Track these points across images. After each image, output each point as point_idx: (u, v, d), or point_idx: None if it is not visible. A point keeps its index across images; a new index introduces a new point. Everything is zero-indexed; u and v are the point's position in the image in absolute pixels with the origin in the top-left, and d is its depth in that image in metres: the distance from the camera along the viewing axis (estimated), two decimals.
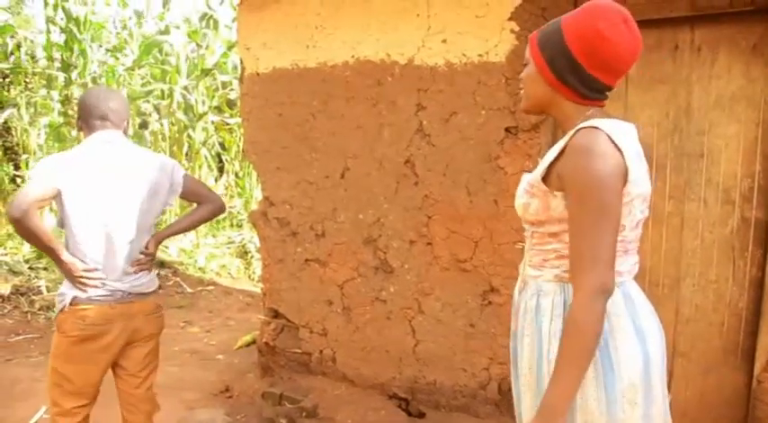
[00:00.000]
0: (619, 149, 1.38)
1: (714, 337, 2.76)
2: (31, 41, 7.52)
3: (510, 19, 2.84)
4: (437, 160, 3.11)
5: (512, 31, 2.84)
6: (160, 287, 3.25)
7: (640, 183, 1.45)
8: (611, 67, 1.44)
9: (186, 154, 8.31)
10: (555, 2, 2.74)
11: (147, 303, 2.46)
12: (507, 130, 2.92)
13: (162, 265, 6.74)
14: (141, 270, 2.41)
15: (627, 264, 1.53)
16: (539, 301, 1.56)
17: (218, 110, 8.31)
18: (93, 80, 7.88)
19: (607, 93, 1.52)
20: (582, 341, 1.37)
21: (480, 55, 2.93)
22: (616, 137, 1.39)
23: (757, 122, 2.54)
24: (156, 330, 2.55)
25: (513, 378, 1.69)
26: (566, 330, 1.39)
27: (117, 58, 8.58)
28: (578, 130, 1.43)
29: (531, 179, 1.55)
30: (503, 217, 2.98)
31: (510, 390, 3.08)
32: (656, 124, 2.72)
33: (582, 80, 1.47)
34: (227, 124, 8.65)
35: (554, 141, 2.92)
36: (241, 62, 3.70)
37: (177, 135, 8.08)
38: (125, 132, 2.45)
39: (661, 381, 1.52)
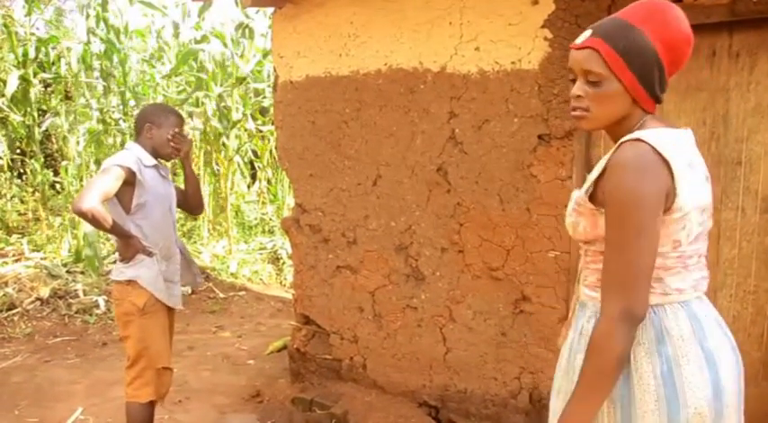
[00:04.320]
0: (666, 161, 1.31)
1: (753, 349, 2.69)
2: (71, 51, 7.69)
3: (543, 26, 2.83)
4: (469, 168, 3.10)
5: (545, 39, 2.83)
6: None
7: (695, 194, 1.36)
8: (679, 69, 1.40)
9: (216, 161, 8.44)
10: (588, 9, 2.72)
11: (113, 289, 2.97)
12: (540, 137, 2.91)
13: None
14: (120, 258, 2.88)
15: (688, 280, 1.44)
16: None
17: (252, 117, 8.40)
18: (131, 89, 8.04)
19: None
20: (599, 365, 1.34)
21: (513, 62, 2.93)
22: (663, 147, 1.32)
23: None
24: (116, 314, 2.98)
25: (555, 389, 1.65)
26: (587, 351, 1.36)
27: (153, 66, 8.74)
28: (621, 144, 1.37)
29: (577, 197, 1.49)
30: (535, 225, 2.96)
31: (540, 400, 3.05)
32: (693, 132, 2.67)
33: (662, 87, 1.40)
34: (260, 132, 8.74)
35: (588, 149, 2.90)
36: (275, 70, 3.75)
37: (213, 141, 8.19)
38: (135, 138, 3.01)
39: (736, 410, 1.43)
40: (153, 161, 2.95)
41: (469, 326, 3.22)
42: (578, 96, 1.44)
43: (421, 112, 3.20)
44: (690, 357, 1.37)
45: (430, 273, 3.29)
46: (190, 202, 3.27)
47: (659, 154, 1.31)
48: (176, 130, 3.00)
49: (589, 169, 2.88)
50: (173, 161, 3.37)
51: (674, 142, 1.36)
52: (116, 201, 2.82)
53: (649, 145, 1.32)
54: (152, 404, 2.96)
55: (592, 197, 1.44)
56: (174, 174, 8.97)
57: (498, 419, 3.21)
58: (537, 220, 2.96)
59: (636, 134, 1.36)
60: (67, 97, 8.26)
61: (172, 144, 2.98)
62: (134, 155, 2.88)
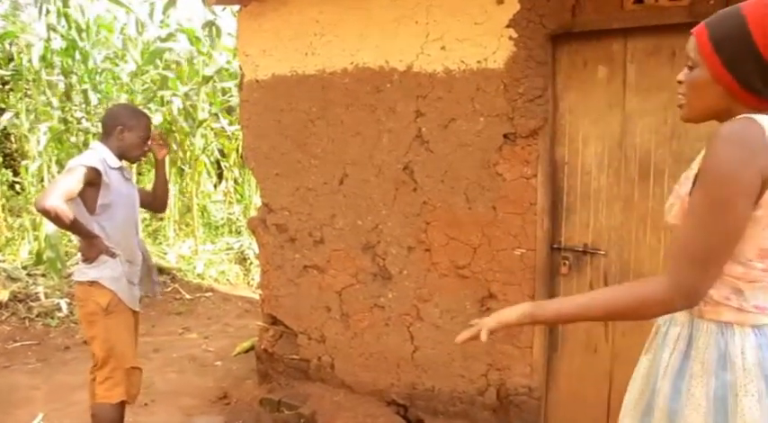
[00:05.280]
0: None
1: None
2: (31, 48, 7.51)
3: (508, 26, 2.85)
4: (436, 167, 3.11)
5: (510, 38, 2.85)
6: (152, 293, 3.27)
7: None
8: None
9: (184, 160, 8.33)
10: (553, 9, 2.75)
11: (76, 290, 2.95)
12: (505, 136, 2.93)
13: (160, 271, 6.73)
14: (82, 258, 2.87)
15: None
16: (668, 329, 1.43)
17: (219, 117, 8.31)
18: (94, 86, 7.88)
19: None
20: (620, 302, 1.32)
21: (479, 62, 2.94)
22: None
23: None
24: (80, 316, 3.00)
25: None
26: (627, 285, 1.34)
27: (116, 64, 8.58)
28: (729, 121, 1.28)
29: (681, 179, 1.42)
30: (501, 223, 2.98)
31: (507, 396, 3.08)
32: (654, 131, 2.73)
33: (767, 82, 1.27)
34: (224, 131, 8.65)
35: (553, 148, 2.93)
36: (240, 69, 3.71)
37: (180, 140, 8.08)
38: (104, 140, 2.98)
39: None
40: (118, 163, 2.94)
41: (437, 324, 3.23)
42: (678, 82, 1.41)
43: (387, 111, 3.20)
44: (749, 389, 1.27)
45: (397, 271, 3.30)
46: (156, 203, 3.31)
47: (766, 138, 1.20)
48: (159, 132, 3.09)
49: (554, 168, 2.92)
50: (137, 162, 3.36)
51: None
52: (80, 201, 2.79)
53: (759, 124, 1.22)
54: (123, 405, 2.95)
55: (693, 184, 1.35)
56: (140, 173, 8.85)
57: (466, 416, 3.23)
58: (503, 219, 2.98)
59: (745, 115, 1.27)
60: (27, 95, 8.05)
61: (153, 146, 3.08)
62: (99, 155, 2.86)
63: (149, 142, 3.05)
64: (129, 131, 2.95)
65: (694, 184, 1.33)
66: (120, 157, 2.97)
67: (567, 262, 2.96)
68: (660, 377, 1.41)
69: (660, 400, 1.39)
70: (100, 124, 3.19)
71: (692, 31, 1.37)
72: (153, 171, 3.25)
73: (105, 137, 2.97)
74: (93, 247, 2.81)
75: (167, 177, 3.31)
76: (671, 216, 1.42)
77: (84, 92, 7.76)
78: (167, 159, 3.84)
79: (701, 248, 1.23)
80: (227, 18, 8.08)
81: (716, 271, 1.26)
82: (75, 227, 2.73)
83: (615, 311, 1.35)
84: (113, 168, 2.89)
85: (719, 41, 1.28)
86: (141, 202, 3.19)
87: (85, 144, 7.87)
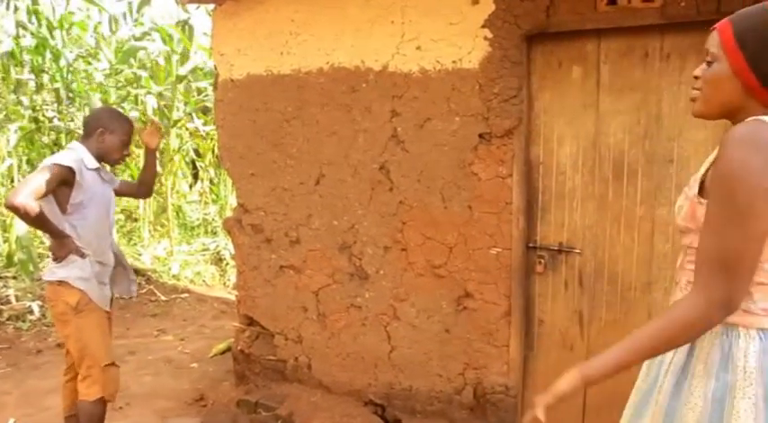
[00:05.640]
0: None
1: None
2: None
3: (483, 26, 2.86)
4: (412, 166, 3.12)
5: (485, 38, 2.87)
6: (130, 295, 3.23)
7: None
8: None
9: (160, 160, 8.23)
10: (527, 10, 2.76)
11: (46, 290, 2.94)
12: (481, 136, 2.94)
13: (135, 272, 6.65)
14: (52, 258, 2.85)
15: None
16: None
17: (194, 116, 8.23)
18: (66, 85, 7.76)
19: None
20: (662, 335, 1.28)
21: (454, 62, 2.95)
22: None
23: (725, 128, 2.58)
24: (52, 316, 3.04)
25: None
26: (658, 317, 1.30)
27: (89, 63, 8.46)
28: (740, 123, 1.26)
29: (691, 181, 1.41)
30: (477, 223, 3.00)
31: (484, 395, 3.10)
32: (628, 131, 2.76)
33: None
34: (199, 131, 8.57)
35: (528, 147, 2.95)
36: (215, 68, 3.68)
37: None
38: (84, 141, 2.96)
39: None
40: (95, 164, 2.94)
41: (413, 324, 3.23)
42: (695, 77, 1.40)
43: (363, 111, 3.20)
44: (747, 392, 1.27)
45: (373, 271, 3.30)
46: (142, 190, 3.40)
47: None
48: (152, 121, 3.10)
49: (529, 167, 2.94)
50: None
51: None
52: (52, 199, 2.79)
53: None
54: (103, 402, 2.97)
55: (700, 187, 1.35)
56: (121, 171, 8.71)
57: (443, 415, 3.24)
58: (478, 218, 2.99)
59: (754, 117, 1.26)
60: None
61: (146, 134, 3.18)
62: (77, 155, 2.86)
63: (129, 147, 3.07)
64: (110, 134, 2.95)
65: (701, 186, 1.33)
66: (99, 159, 2.97)
67: (542, 261, 2.98)
68: (663, 374, 1.41)
69: (660, 396, 1.39)
70: (80, 124, 3.19)
71: (714, 26, 1.37)
72: (142, 158, 3.31)
73: (85, 138, 2.98)
74: (63, 247, 2.80)
75: (156, 166, 3.38)
76: (680, 218, 1.41)
77: (56, 91, 7.64)
78: (139, 157, 3.85)
79: (730, 257, 1.22)
80: (202, 17, 7.97)
81: (749, 277, 1.24)
82: (43, 225, 2.72)
83: (662, 345, 1.30)
84: (90, 169, 2.89)
85: (744, 35, 1.27)
86: (125, 192, 3.29)
87: (57, 143, 7.75)
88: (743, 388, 1.27)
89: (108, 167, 3.22)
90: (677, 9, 2.52)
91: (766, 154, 1.18)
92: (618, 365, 1.31)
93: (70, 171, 2.75)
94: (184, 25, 7.57)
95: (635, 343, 1.31)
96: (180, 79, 7.65)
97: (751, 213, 1.19)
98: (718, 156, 1.25)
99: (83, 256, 2.84)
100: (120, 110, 7.66)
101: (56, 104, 7.76)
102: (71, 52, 8.19)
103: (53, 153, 5.23)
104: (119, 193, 3.24)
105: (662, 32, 2.64)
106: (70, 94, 7.89)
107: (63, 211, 2.81)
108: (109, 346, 3.01)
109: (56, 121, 7.81)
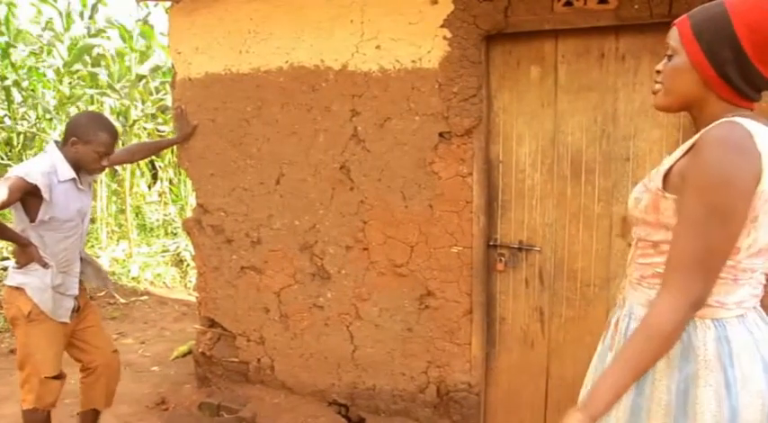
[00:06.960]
0: (758, 151, 1.21)
1: None
2: None
3: (442, 26, 2.87)
4: (372, 166, 3.11)
5: (444, 38, 2.88)
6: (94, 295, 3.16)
7: None
8: None
9: None
10: (486, 10, 2.78)
11: (5, 292, 2.84)
12: (441, 135, 2.95)
13: None
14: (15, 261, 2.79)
15: (735, 296, 1.32)
16: (629, 325, 1.43)
17: (152, 117, 8.09)
18: (16, 83, 7.55)
19: (761, 93, 1.35)
20: (656, 349, 1.28)
21: (414, 61, 2.96)
22: (758, 138, 1.22)
23: (678, 127, 2.65)
24: (6, 318, 2.91)
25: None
26: (637, 330, 1.30)
27: (42, 61, 8.23)
28: (712, 126, 1.27)
29: (652, 172, 1.41)
30: (438, 221, 3.01)
31: (447, 393, 3.12)
32: (585, 130, 2.80)
33: (745, 75, 1.28)
34: (159, 131, 8.43)
35: (488, 146, 2.97)
36: (173, 67, 3.62)
37: None
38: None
39: None
40: (71, 174, 2.75)
41: (376, 323, 3.23)
42: (657, 71, 1.42)
43: (323, 111, 3.18)
44: (709, 381, 1.29)
45: (335, 271, 3.29)
46: (137, 157, 3.69)
47: (754, 142, 1.21)
48: (181, 111, 3.40)
49: (489, 166, 2.96)
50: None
51: (766, 137, 1.25)
52: (20, 206, 2.66)
53: (744, 127, 1.23)
54: (42, 413, 2.87)
55: (665, 180, 1.35)
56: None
57: (407, 414, 3.25)
58: (439, 217, 3.00)
59: (730, 117, 1.27)
60: None
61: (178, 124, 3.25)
62: (50, 164, 2.70)
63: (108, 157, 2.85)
64: (84, 145, 2.73)
65: (665, 179, 1.34)
66: (77, 168, 2.78)
67: (502, 259, 3.01)
68: None
69: (623, 396, 1.37)
70: (32, 123, 3.08)
71: (674, 22, 1.40)
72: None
73: (63, 144, 2.79)
74: (25, 254, 2.73)
75: (167, 149, 3.44)
76: (638, 210, 1.41)
77: (7, 88, 7.42)
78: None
79: (713, 257, 1.23)
80: (162, 15, 7.83)
81: (718, 275, 1.27)
82: (2, 232, 2.64)
83: (654, 355, 1.30)
84: (63, 181, 2.71)
85: (700, 28, 1.31)
86: (119, 161, 3.44)
87: (8, 143, 7.54)
88: (704, 376, 1.30)
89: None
90: (631, 11, 2.56)
91: (748, 156, 1.20)
92: (617, 392, 1.31)
93: (35, 187, 2.58)
94: (144, 23, 7.43)
95: (627, 362, 1.31)
96: (139, 78, 7.51)
97: (730, 213, 1.21)
98: (698, 157, 1.26)
99: (45, 266, 2.72)
100: (74, 109, 7.50)
101: (6, 103, 7.53)
102: (24, 49, 7.98)
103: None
104: (112, 163, 3.06)
105: (617, 34, 2.69)
106: (23, 93, 7.68)
107: (32, 220, 2.68)
108: (56, 358, 2.87)
109: (7, 121, 7.59)
